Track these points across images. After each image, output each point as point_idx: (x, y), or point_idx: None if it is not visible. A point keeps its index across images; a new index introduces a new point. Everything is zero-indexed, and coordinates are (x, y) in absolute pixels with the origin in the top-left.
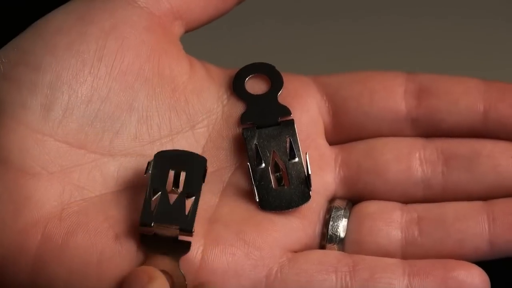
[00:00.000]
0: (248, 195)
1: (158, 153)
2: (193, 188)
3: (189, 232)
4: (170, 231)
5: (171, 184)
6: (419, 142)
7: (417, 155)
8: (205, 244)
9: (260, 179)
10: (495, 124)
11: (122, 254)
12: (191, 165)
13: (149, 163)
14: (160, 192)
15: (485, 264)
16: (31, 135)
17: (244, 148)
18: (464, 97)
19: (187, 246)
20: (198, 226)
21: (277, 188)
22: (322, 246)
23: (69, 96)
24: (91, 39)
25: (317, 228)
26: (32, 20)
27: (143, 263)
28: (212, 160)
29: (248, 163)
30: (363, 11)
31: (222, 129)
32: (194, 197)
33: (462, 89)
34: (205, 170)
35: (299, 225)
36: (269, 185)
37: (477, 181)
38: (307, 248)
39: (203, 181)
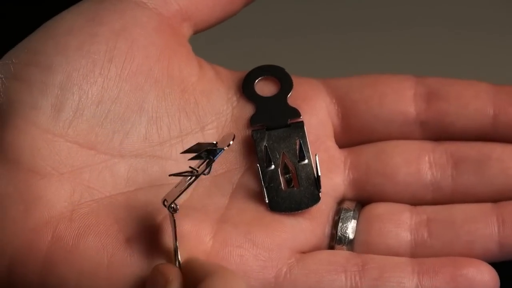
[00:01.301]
0: (257, 197)
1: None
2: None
3: (165, 207)
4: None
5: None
6: (428, 145)
7: (426, 158)
8: (213, 245)
9: (269, 180)
10: (505, 127)
11: (132, 257)
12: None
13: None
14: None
15: (494, 265)
16: (42, 135)
17: (254, 150)
18: (474, 101)
19: (174, 222)
20: (207, 226)
21: (286, 190)
22: (331, 247)
23: (80, 96)
24: (102, 40)
25: (326, 229)
26: (42, 21)
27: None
28: (221, 161)
29: (258, 165)
30: (373, 15)
31: (232, 130)
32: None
33: (472, 92)
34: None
35: (308, 226)
36: (279, 187)
37: (487, 184)
38: (316, 249)
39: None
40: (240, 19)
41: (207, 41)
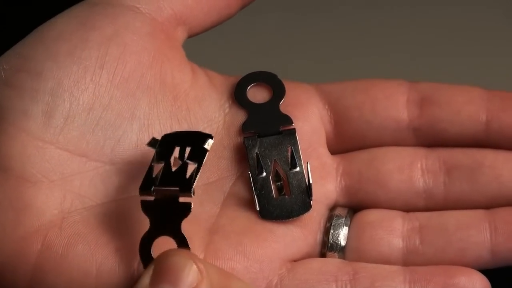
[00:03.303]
0: (249, 205)
1: (164, 135)
2: (197, 156)
3: (189, 192)
4: (170, 192)
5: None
6: (421, 151)
7: (419, 165)
8: (205, 259)
9: (261, 188)
10: (497, 133)
11: (121, 267)
12: (196, 142)
13: (153, 138)
14: (163, 163)
15: (486, 272)
16: (32, 142)
17: (246, 157)
18: (467, 107)
19: (188, 207)
20: (198, 239)
21: (277, 198)
22: (322, 255)
23: (71, 103)
24: (93, 46)
25: (318, 237)
26: (34, 26)
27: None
28: (213, 169)
29: (249, 172)
30: (366, 19)
31: (224, 138)
32: (195, 163)
33: (465, 98)
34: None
35: (300, 234)
36: (270, 194)
37: (479, 192)
38: (307, 256)
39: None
40: (233, 24)
41: (200, 46)
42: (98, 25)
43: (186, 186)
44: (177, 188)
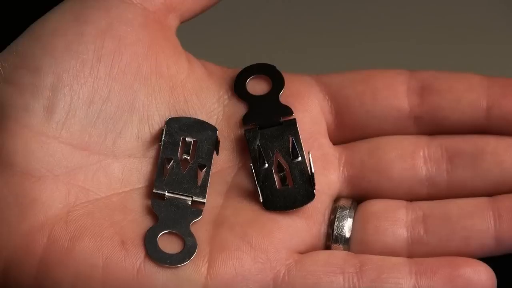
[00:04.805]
0: (252, 196)
1: (170, 119)
2: (204, 158)
3: (202, 203)
4: (183, 200)
5: (182, 151)
6: (423, 140)
7: (421, 153)
8: (211, 250)
9: (263, 179)
10: (499, 120)
11: (128, 260)
12: (202, 134)
13: (162, 131)
14: (172, 161)
15: (490, 260)
16: (35, 137)
17: (246, 148)
18: (467, 94)
19: (198, 213)
20: (203, 231)
21: (281, 188)
22: (327, 246)
23: (71, 97)
24: (89, 40)
25: (322, 228)
26: (28, 23)
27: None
28: (214, 160)
29: (251, 164)
30: (365, 9)
31: (224, 129)
32: (205, 168)
33: (465, 85)
34: (217, 140)
35: (304, 225)
36: (273, 185)
37: (482, 178)
38: (312, 248)
39: (217, 152)
40: (231, 16)
41: (198, 38)
42: (92, 19)
43: (200, 197)
44: (191, 198)
